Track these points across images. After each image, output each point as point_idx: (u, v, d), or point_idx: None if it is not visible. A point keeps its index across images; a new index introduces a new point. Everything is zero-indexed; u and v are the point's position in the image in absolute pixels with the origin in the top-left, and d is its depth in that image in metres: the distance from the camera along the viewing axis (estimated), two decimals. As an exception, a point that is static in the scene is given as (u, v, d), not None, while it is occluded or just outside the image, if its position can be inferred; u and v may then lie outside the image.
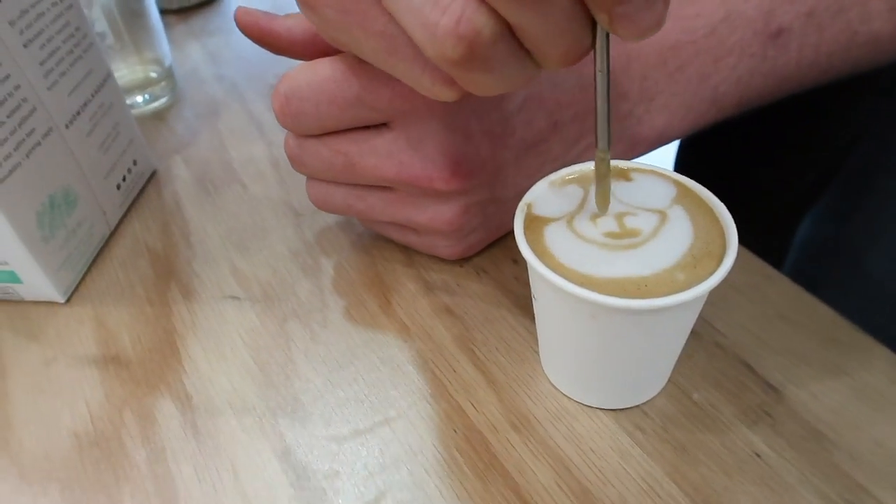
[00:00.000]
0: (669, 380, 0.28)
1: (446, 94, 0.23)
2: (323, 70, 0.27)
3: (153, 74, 0.47)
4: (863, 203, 0.61)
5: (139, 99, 0.47)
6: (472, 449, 0.26)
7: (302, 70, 0.28)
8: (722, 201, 0.25)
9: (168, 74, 0.48)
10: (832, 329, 0.29)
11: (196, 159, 0.43)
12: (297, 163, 0.31)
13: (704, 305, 0.30)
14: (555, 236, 0.24)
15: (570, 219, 0.25)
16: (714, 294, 0.31)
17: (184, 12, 0.61)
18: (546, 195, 0.26)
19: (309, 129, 0.29)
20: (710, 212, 0.25)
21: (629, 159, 0.35)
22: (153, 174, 0.42)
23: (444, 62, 0.20)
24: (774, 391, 0.27)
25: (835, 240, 0.66)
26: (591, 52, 0.21)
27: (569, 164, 0.27)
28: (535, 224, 0.25)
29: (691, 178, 0.27)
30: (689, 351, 0.29)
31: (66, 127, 0.33)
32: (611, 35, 0.32)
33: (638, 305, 0.21)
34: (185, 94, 0.50)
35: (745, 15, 0.33)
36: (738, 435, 0.26)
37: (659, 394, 0.28)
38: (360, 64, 0.27)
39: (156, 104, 0.48)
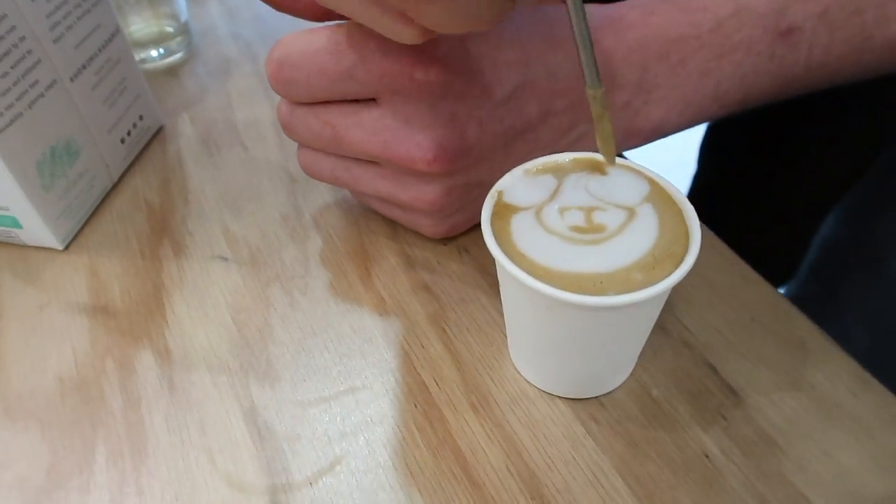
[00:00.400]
0: (632, 374, 0.28)
1: (407, 34, 0.23)
2: (317, 40, 0.28)
3: (168, 29, 0.48)
4: (886, 204, 0.59)
5: (153, 53, 0.48)
6: (429, 424, 0.27)
7: (297, 38, 0.28)
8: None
9: (184, 30, 0.49)
10: (803, 337, 0.29)
11: (202, 118, 0.44)
12: (287, 129, 0.31)
13: (678, 302, 0.30)
14: (521, 226, 0.24)
15: (539, 209, 0.25)
16: (689, 292, 0.31)
17: (209, -34, 0.62)
18: (519, 183, 0.26)
19: (299, 97, 0.29)
20: (679, 213, 0.25)
21: (624, 150, 0.35)
22: (160, 130, 0.43)
23: None
24: (734, 394, 0.27)
25: (856, 240, 0.65)
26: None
27: (559, 153, 0.27)
28: (504, 212, 0.25)
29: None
30: (656, 347, 0.29)
31: (71, 80, 0.34)
32: (610, 27, 0.31)
33: (589, 302, 0.21)
34: (199, 50, 0.50)
35: (755, 11, 0.33)
36: (690, 435, 0.26)
37: (620, 387, 0.28)
38: (353, 38, 0.27)
39: (170, 59, 0.49)
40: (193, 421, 0.28)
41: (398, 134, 0.28)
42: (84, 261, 0.35)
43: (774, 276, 0.99)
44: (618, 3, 0.34)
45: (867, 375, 0.28)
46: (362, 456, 0.26)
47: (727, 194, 0.85)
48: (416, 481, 0.25)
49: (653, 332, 0.29)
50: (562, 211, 0.25)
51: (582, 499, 0.25)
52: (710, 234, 0.34)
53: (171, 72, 0.48)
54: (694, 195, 0.90)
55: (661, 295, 0.22)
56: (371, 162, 0.31)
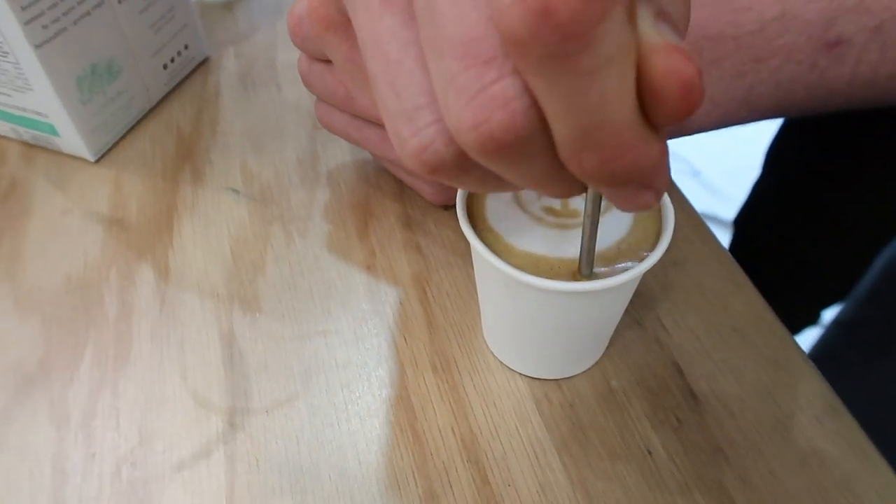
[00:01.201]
0: (597, 363, 0.29)
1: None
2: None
3: (232, -36, 0.49)
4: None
5: (214, -14, 0.49)
6: (388, 377, 0.28)
7: None
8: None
9: (246, -34, 0.50)
10: (780, 352, 0.29)
11: (246, 54, 0.45)
12: (306, 82, 0.32)
13: (661, 300, 0.30)
14: (496, 201, 0.25)
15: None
16: (675, 292, 0.31)
17: None
18: (506, 158, 0.26)
19: (316, 52, 0.30)
20: (658, 210, 0.24)
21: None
22: (205, 61, 0.44)
23: (413, 169, 0.18)
24: (694, 399, 0.27)
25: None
26: None
27: None
28: (484, 184, 0.25)
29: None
30: (627, 341, 0.29)
31: (120, 2, 0.36)
32: None
33: (536, 283, 0.22)
34: (259, -12, 0.52)
35: (802, 18, 0.31)
36: (638, 429, 0.26)
37: (581, 374, 0.28)
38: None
39: (229, -7, 0.50)
40: (175, 338, 0.30)
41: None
42: (111, 174, 0.37)
43: (825, 294, 0.95)
44: None
45: (838, 404, 0.27)
46: (319, 395, 0.28)
47: (787, 203, 0.82)
48: (363, 426, 0.27)
49: (627, 326, 0.30)
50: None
51: (516, 470, 0.25)
52: (710, 235, 0.33)
53: (228, 6, 0.50)
54: (753, 200, 0.87)
55: (608, 290, 0.22)
56: (380, 125, 0.31)
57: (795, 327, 0.97)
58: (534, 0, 0.12)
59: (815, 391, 0.27)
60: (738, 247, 0.94)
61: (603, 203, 0.24)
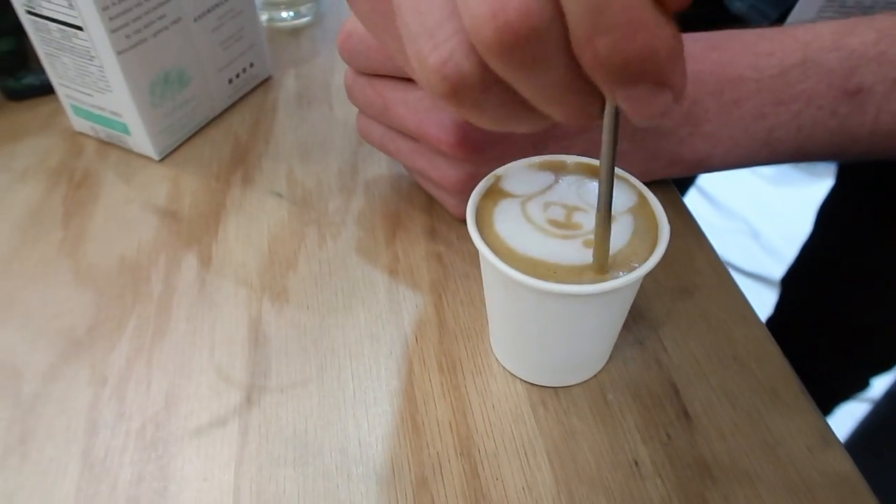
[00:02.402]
0: (595, 376, 0.30)
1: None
2: None
3: (301, -5, 0.54)
4: None
5: (284, 14, 0.54)
6: (395, 370, 0.30)
7: None
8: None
9: (314, -2, 0.55)
10: (778, 383, 0.29)
11: (305, 76, 0.49)
12: (349, 94, 0.35)
13: (665, 322, 0.31)
14: (504, 210, 0.27)
15: (527, 199, 0.27)
16: (680, 317, 0.32)
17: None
18: (519, 172, 0.28)
19: (360, 66, 0.33)
20: (655, 229, 0.26)
21: (667, 177, 0.36)
22: (267, 79, 0.48)
23: (431, 93, 0.19)
24: (686, 418, 0.28)
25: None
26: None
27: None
28: (495, 195, 0.27)
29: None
30: (627, 357, 0.30)
31: (195, 20, 0.40)
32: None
33: (530, 283, 0.23)
34: (324, 18, 0.56)
35: (824, 65, 0.32)
36: (627, 441, 0.27)
37: (579, 384, 0.29)
38: None
39: (296, 22, 0.54)
40: (209, 318, 0.32)
41: (431, 115, 0.31)
42: (171, 172, 0.41)
43: (874, 360, 0.92)
44: (685, 34, 0.35)
45: (832, 437, 0.27)
46: (331, 381, 0.30)
47: (836, 263, 0.81)
48: (367, 412, 0.28)
49: (629, 344, 0.31)
50: (546, 205, 0.27)
51: (505, 466, 0.27)
52: (723, 268, 0.34)
53: (294, 32, 0.54)
54: (802, 260, 0.86)
55: (600, 295, 0.24)
56: (412, 137, 0.34)
57: (842, 393, 0.93)
58: None
59: (809, 422, 0.28)
60: (785, 306, 0.92)
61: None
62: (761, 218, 1.67)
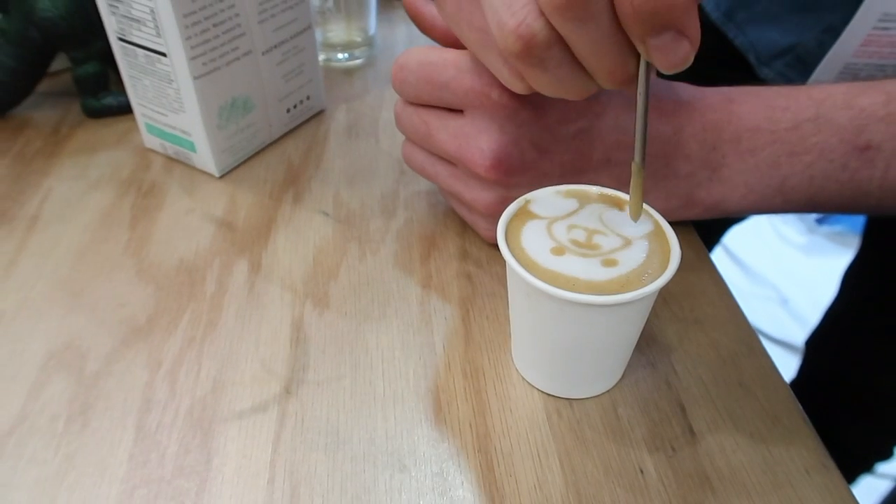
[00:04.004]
0: (608, 392, 0.32)
1: (517, 86, 0.30)
2: (432, 55, 0.35)
3: (357, 39, 0.59)
4: None
5: (340, 55, 0.59)
6: (423, 373, 0.33)
7: (419, 50, 0.36)
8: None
9: (369, 42, 0.59)
10: (781, 410, 0.31)
11: (356, 110, 0.53)
12: (398, 121, 0.39)
13: (676, 348, 0.33)
14: (531, 228, 0.30)
15: (552, 221, 0.30)
16: (690, 344, 0.34)
17: None
18: (547, 198, 0.31)
19: (409, 96, 0.37)
20: (667, 253, 0.28)
21: (684, 218, 0.38)
22: (321, 111, 0.53)
23: (508, 55, 0.27)
24: (692, 434, 0.30)
25: None
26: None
27: None
28: (524, 216, 0.30)
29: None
30: (639, 377, 0.32)
31: (263, 54, 0.45)
32: (689, 104, 0.36)
33: (550, 291, 0.26)
34: (377, 60, 0.60)
35: (835, 122, 0.34)
36: (635, 451, 0.29)
37: (592, 398, 0.32)
38: (457, 60, 0.34)
39: (351, 62, 0.59)
40: (256, 317, 0.35)
41: (470, 140, 0.34)
42: (229, 188, 0.44)
43: (898, 429, 0.90)
44: (706, 87, 0.38)
45: (829, 462, 0.29)
46: (363, 378, 0.32)
47: (860, 328, 0.81)
48: (394, 408, 0.31)
49: (641, 365, 0.33)
50: (570, 227, 0.30)
51: (519, 465, 0.29)
52: (734, 303, 0.36)
53: (348, 72, 0.58)
54: (826, 323, 0.86)
55: (611, 307, 0.26)
56: (450, 162, 0.37)
57: (866, 460, 0.92)
58: None
59: (808, 446, 0.30)
60: (809, 369, 0.93)
61: (618, 246, 0.29)
62: (791, 286, 1.67)
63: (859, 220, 0.79)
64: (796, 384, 0.93)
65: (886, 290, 0.75)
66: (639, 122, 0.28)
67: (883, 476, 1.05)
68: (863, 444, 0.89)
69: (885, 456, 0.90)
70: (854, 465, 0.92)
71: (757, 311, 1.57)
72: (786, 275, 1.69)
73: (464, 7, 0.30)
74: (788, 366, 0.93)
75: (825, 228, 1.80)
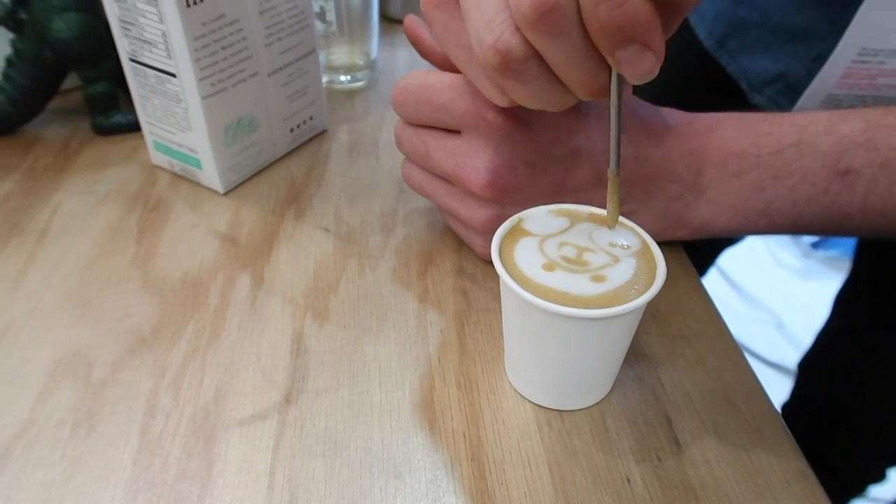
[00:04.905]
0: (597, 404, 0.33)
1: (500, 100, 0.32)
2: (430, 79, 0.37)
3: (359, 62, 0.60)
4: None
5: (342, 78, 0.60)
6: (418, 384, 0.34)
7: (418, 73, 0.37)
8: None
9: (371, 65, 0.61)
10: (764, 422, 0.32)
11: (357, 131, 0.55)
12: (397, 141, 0.40)
13: (663, 362, 0.35)
14: (524, 245, 0.31)
15: (544, 238, 0.31)
16: (677, 359, 0.35)
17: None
18: (540, 216, 0.33)
19: (408, 117, 0.38)
20: (653, 270, 0.30)
21: (673, 238, 0.40)
22: (323, 132, 0.54)
23: (488, 69, 0.28)
24: (677, 445, 0.31)
25: None
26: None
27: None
28: (517, 233, 0.32)
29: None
30: (627, 391, 0.34)
31: (268, 76, 0.46)
32: (677, 128, 0.38)
33: (540, 304, 0.27)
34: (378, 83, 0.62)
35: (817, 148, 0.35)
36: (622, 461, 0.30)
37: (582, 410, 0.33)
38: (454, 84, 0.36)
39: (353, 85, 0.61)
40: (257, 328, 0.37)
41: (466, 159, 0.36)
42: (233, 204, 0.46)
43: (891, 451, 0.91)
44: (693, 113, 0.39)
45: (809, 472, 0.30)
46: (360, 389, 0.33)
47: (852, 350, 0.82)
48: (390, 417, 0.32)
49: (630, 379, 0.34)
50: (561, 244, 0.31)
51: (510, 473, 0.30)
52: (720, 320, 0.37)
53: (350, 94, 0.60)
54: (819, 345, 0.87)
55: (599, 320, 0.27)
56: (448, 181, 0.39)
57: (858, 484, 0.93)
58: None
59: (789, 457, 0.31)
60: (801, 391, 0.93)
61: (606, 263, 0.30)
62: (787, 310, 1.68)
63: (853, 244, 0.80)
64: (789, 406, 0.93)
65: (877, 313, 0.76)
66: (612, 132, 0.29)
67: (875, 500, 1.05)
68: (855, 467, 0.90)
69: (878, 479, 0.90)
70: (847, 487, 0.92)
71: (753, 334, 1.58)
72: (782, 299, 1.71)
73: (450, 27, 0.31)
74: (783, 389, 0.94)
75: (821, 253, 1.81)
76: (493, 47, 0.27)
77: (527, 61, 0.27)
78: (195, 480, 0.29)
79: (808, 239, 1.82)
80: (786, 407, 0.94)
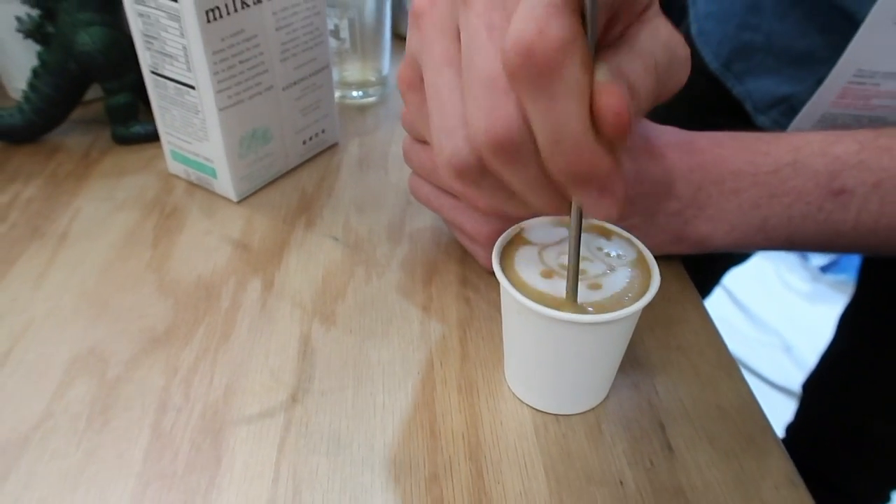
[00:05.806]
0: (592, 410, 0.34)
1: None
2: None
3: (371, 78, 0.62)
4: None
5: (354, 93, 0.62)
6: (420, 387, 0.35)
7: None
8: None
9: (382, 81, 0.63)
10: (755, 431, 0.33)
11: (368, 144, 0.56)
12: (406, 156, 0.42)
13: (659, 371, 0.36)
14: (524, 253, 0.32)
15: (543, 247, 0.33)
16: (672, 368, 0.36)
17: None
18: (540, 226, 0.34)
19: (416, 134, 0.40)
20: (647, 279, 0.31)
21: (673, 252, 0.41)
22: (334, 144, 0.56)
23: (444, 176, 0.27)
24: (670, 450, 0.32)
25: None
26: None
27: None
28: (518, 242, 0.33)
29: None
30: (623, 397, 0.35)
31: (283, 89, 0.48)
32: (678, 146, 0.38)
33: (536, 308, 0.28)
34: (389, 99, 0.64)
35: (811, 167, 0.37)
36: (615, 464, 0.31)
37: (578, 414, 0.34)
38: None
39: (365, 100, 0.63)
40: (267, 331, 0.38)
41: (471, 174, 0.37)
42: (246, 212, 0.47)
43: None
44: (694, 132, 0.40)
45: (798, 479, 0.31)
46: (364, 390, 0.35)
47: (859, 371, 0.82)
48: (393, 418, 0.33)
49: (625, 386, 0.35)
50: (559, 253, 0.32)
51: (507, 473, 0.31)
52: (715, 331, 0.38)
53: (362, 108, 0.62)
54: (823, 366, 0.87)
55: (595, 325, 0.28)
56: (454, 195, 0.40)
57: (862, 505, 0.92)
58: (522, 47, 0.21)
59: (779, 465, 0.31)
60: (805, 412, 0.93)
61: (602, 272, 0.31)
62: (795, 333, 1.67)
63: (859, 267, 0.81)
64: (794, 427, 0.93)
65: (881, 334, 0.77)
66: (571, 258, 0.28)
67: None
68: (860, 489, 0.89)
69: (883, 501, 0.90)
70: (849, 511, 0.92)
71: (760, 357, 1.57)
72: (790, 322, 1.70)
73: (424, 111, 0.29)
74: (791, 412, 0.94)
75: (829, 277, 1.81)
76: (449, 160, 0.26)
77: (484, 177, 0.26)
78: (203, 473, 0.31)
79: (817, 262, 1.82)
80: (790, 428, 0.94)
